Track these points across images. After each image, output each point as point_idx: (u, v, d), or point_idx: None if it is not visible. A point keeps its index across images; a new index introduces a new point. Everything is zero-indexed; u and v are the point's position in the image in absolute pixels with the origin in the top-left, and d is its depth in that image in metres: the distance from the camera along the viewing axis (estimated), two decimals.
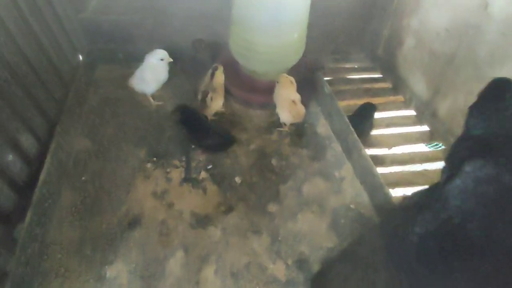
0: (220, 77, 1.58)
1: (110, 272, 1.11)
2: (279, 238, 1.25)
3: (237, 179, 1.44)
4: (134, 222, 1.26)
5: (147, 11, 1.95)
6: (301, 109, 1.57)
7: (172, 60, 1.60)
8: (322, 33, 2.11)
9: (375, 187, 1.35)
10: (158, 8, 1.94)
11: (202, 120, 1.50)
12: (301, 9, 1.52)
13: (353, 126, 1.57)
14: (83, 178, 1.39)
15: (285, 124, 1.63)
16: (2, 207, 1.13)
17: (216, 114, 1.67)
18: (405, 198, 1.18)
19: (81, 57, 1.88)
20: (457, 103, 1.59)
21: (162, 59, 1.57)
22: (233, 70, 1.75)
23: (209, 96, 1.56)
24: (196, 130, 1.48)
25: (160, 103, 1.76)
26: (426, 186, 0.89)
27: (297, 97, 1.56)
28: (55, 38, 1.62)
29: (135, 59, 1.93)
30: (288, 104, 1.55)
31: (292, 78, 1.57)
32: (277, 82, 1.58)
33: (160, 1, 1.91)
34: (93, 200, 1.32)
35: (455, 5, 1.52)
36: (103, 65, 1.98)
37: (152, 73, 1.59)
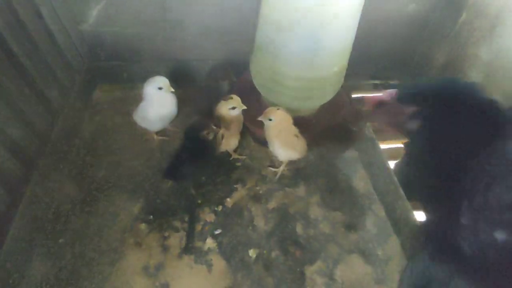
0: (224, 109, 1.27)
1: None
2: None
3: (251, 253, 1.13)
4: None
5: (157, 24, 1.66)
6: (304, 141, 1.29)
7: (173, 90, 1.29)
8: (360, 54, 1.76)
9: None
10: (169, 21, 1.65)
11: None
12: (346, 36, 1.19)
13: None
14: (60, 240, 1.12)
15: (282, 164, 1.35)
16: None
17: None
18: None
19: (77, 77, 1.61)
20: None
21: (160, 88, 1.26)
22: (252, 100, 1.44)
23: (220, 132, 1.26)
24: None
25: (164, 138, 1.47)
26: None
27: (296, 130, 1.28)
28: (43, 57, 1.35)
29: (142, 79, 1.66)
30: (292, 140, 1.25)
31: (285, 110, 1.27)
32: (270, 120, 1.25)
33: (172, 13, 1.61)
34: (70, 272, 1.05)
35: None
36: (104, 85, 1.71)
37: (154, 109, 1.29)
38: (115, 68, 1.73)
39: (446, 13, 1.66)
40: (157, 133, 1.46)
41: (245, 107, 1.29)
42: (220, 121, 1.28)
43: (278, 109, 1.26)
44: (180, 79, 1.72)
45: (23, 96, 1.21)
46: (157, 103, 1.29)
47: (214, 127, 1.24)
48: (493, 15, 1.38)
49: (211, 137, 1.22)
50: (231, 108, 1.26)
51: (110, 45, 1.69)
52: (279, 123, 1.25)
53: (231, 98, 1.28)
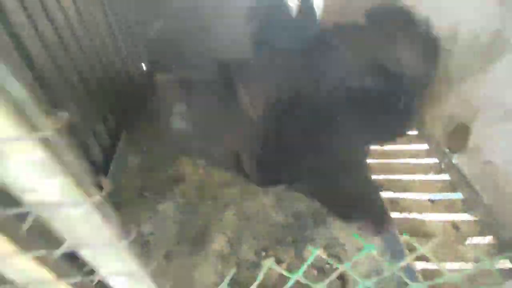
0: None
1: (161, 207, 1.60)
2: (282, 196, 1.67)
3: None
4: (178, 179, 1.76)
5: (197, 34, 2.55)
6: None
7: None
8: None
9: None
10: (205, 32, 2.53)
11: None
12: None
13: None
14: (144, 148, 1.93)
15: None
16: None
17: None
18: None
19: (144, 67, 2.51)
20: (436, 112, 1.94)
21: None
22: None
23: None
24: None
25: None
26: None
27: None
28: (131, 55, 2.25)
29: (186, 69, 2.54)
30: None
31: None
32: None
33: (206, 27, 2.50)
34: (152, 162, 1.85)
35: None
36: (160, 73, 2.59)
37: None
38: (169, 61, 2.62)
39: None
40: None
41: None
42: None
43: None
44: (210, 74, 2.59)
45: (119, 76, 2.08)
46: None
47: None
48: None
49: None
50: None
51: (166, 47, 2.59)
52: None
53: None
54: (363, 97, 1.22)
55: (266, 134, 1.28)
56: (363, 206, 1.47)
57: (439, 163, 1.92)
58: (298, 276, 0.78)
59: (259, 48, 1.57)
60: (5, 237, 0.36)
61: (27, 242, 0.39)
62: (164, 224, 1.52)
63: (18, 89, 0.23)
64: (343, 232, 1.46)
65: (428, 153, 2.00)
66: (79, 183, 0.30)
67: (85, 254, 0.40)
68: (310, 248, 0.64)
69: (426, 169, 1.91)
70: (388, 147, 2.07)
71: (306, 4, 1.47)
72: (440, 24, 1.86)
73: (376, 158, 1.97)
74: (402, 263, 0.67)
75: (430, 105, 2.02)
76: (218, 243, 1.44)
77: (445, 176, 1.85)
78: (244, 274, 1.29)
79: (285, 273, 0.77)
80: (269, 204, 1.63)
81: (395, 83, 1.20)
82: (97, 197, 0.32)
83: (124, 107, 2.05)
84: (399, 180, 1.82)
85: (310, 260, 0.70)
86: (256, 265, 1.34)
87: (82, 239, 0.37)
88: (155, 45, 2.57)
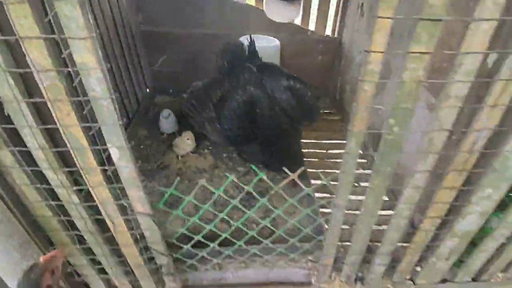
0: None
1: (149, 184, 2.15)
2: None
3: (226, 157, 2.47)
4: (163, 167, 2.32)
5: (197, 67, 3.26)
6: None
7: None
8: None
9: None
10: (203, 67, 3.25)
11: None
12: None
13: None
14: (141, 146, 2.52)
15: None
16: None
17: None
18: None
19: (147, 90, 3.20)
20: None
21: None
22: None
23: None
24: None
25: None
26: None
27: None
28: (137, 80, 2.96)
29: (180, 93, 3.21)
30: None
31: None
32: None
33: (209, 62, 3.22)
34: (146, 155, 2.43)
35: None
36: (160, 95, 3.28)
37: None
38: (168, 87, 3.31)
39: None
40: None
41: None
42: None
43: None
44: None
45: (126, 96, 2.76)
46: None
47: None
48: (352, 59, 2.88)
49: None
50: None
51: (166, 75, 3.30)
52: None
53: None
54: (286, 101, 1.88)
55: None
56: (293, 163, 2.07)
57: (366, 162, 2.48)
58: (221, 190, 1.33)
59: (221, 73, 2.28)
60: (73, 113, 0.95)
61: (82, 119, 0.98)
62: (150, 194, 2.05)
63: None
64: (280, 203, 1.99)
65: (360, 156, 2.56)
66: (109, 89, 0.90)
67: (104, 130, 0.99)
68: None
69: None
70: (330, 151, 2.66)
71: (251, 48, 2.23)
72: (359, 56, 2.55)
73: (317, 158, 2.55)
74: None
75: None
76: (187, 206, 1.97)
77: (370, 171, 2.39)
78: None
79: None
80: (230, 185, 2.18)
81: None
82: (113, 97, 0.92)
83: (129, 119, 2.70)
84: (333, 173, 2.38)
85: (230, 178, 1.25)
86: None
87: (104, 120, 0.96)
88: (157, 74, 3.30)
